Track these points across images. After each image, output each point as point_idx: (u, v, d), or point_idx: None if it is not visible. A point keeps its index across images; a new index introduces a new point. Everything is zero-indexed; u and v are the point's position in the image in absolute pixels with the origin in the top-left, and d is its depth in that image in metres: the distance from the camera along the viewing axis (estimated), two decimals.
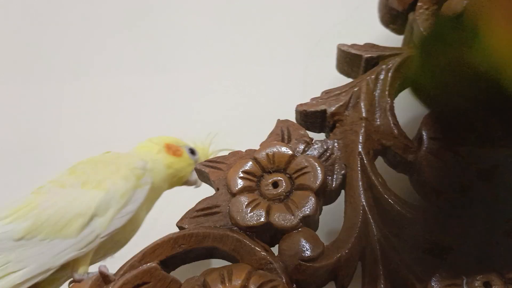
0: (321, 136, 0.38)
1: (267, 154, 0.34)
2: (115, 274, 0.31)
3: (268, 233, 0.32)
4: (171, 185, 0.40)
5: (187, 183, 0.41)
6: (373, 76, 0.36)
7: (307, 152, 0.35)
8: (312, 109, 0.36)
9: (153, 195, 0.38)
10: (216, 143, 0.43)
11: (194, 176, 0.40)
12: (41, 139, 0.54)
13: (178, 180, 0.40)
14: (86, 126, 0.54)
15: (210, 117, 0.50)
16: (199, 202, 0.34)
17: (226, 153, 0.37)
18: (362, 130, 0.34)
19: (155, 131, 0.41)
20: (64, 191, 0.34)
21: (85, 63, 0.57)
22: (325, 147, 0.35)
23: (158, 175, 0.38)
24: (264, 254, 0.31)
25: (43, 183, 0.35)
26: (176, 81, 0.54)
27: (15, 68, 0.58)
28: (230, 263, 0.31)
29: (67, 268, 0.33)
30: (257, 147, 0.35)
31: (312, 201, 0.32)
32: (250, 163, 0.34)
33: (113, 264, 0.33)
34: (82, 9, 0.60)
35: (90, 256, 0.34)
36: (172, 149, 0.40)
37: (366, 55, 0.37)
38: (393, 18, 0.38)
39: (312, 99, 0.37)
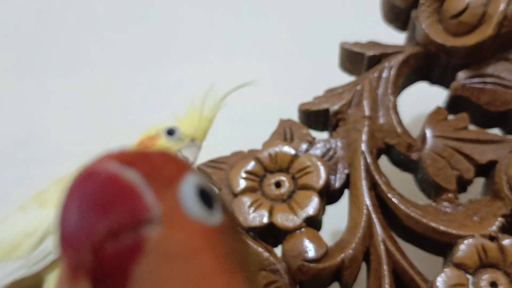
0: (324, 135, 0.37)
1: (269, 154, 0.34)
2: None
3: (271, 234, 0.32)
4: None
5: None
6: (375, 74, 0.36)
7: (310, 152, 0.34)
8: (315, 108, 0.36)
9: None
10: (216, 96, 0.38)
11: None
12: (33, 136, 0.54)
13: None
14: (78, 122, 0.54)
15: None
16: None
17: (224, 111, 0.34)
18: (365, 129, 0.34)
19: None
20: (22, 214, 0.34)
21: (79, 60, 0.57)
22: (328, 146, 0.35)
23: None
24: (267, 255, 0.30)
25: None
26: (175, 80, 0.54)
27: (6, 65, 0.58)
28: None
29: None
30: (259, 147, 0.35)
31: (315, 201, 0.31)
32: (253, 163, 0.33)
33: None
34: (75, 7, 0.60)
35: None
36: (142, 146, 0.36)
37: (368, 53, 0.36)
38: (396, 15, 0.37)
39: (315, 98, 0.37)
